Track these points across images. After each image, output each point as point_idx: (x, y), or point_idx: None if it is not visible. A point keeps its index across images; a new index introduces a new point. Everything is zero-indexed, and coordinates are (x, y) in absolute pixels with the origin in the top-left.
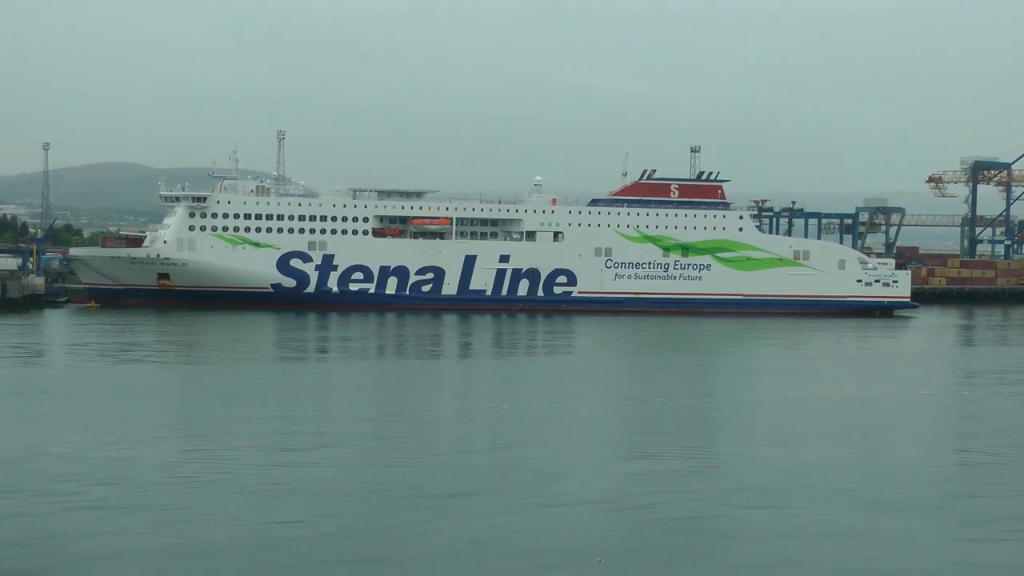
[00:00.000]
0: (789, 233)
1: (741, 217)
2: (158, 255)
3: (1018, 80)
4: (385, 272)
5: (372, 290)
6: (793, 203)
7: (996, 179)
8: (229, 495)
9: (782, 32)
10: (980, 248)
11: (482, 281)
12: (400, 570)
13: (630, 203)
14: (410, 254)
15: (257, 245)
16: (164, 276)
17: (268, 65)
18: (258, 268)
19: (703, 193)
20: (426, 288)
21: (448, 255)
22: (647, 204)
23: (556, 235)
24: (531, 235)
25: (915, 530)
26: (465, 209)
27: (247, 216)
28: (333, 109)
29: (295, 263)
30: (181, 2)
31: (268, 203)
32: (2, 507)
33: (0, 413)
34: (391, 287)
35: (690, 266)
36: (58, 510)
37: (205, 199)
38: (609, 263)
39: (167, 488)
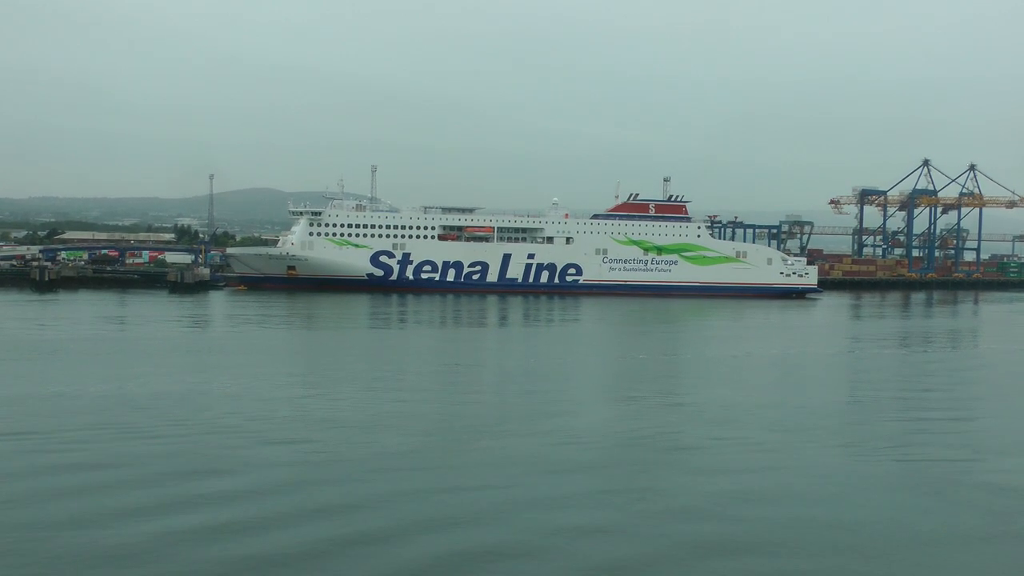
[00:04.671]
0: (733, 238)
1: (699, 227)
2: (287, 253)
3: (895, 134)
4: (447, 265)
5: (437, 278)
6: (735, 217)
7: (877, 202)
8: (338, 428)
9: (729, 93)
10: (865, 250)
11: (515, 272)
12: (456, 474)
13: (620, 217)
14: (464, 253)
15: (356, 246)
16: (292, 267)
17: (362, 119)
18: (356, 262)
19: (672, 210)
20: (475, 277)
21: (491, 253)
22: (632, 218)
23: (568, 239)
24: (550, 239)
25: (815, 445)
26: (503, 221)
27: (349, 225)
28: (411, 149)
29: (383, 258)
30: (300, 73)
31: (364, 216)
32: (183, 434)
33: (180, 364)
34: (451, 276)
35: (663, 262)
36: (225, 439)
37: (320, 213)
38: (605, 260)
39: (296, 423)
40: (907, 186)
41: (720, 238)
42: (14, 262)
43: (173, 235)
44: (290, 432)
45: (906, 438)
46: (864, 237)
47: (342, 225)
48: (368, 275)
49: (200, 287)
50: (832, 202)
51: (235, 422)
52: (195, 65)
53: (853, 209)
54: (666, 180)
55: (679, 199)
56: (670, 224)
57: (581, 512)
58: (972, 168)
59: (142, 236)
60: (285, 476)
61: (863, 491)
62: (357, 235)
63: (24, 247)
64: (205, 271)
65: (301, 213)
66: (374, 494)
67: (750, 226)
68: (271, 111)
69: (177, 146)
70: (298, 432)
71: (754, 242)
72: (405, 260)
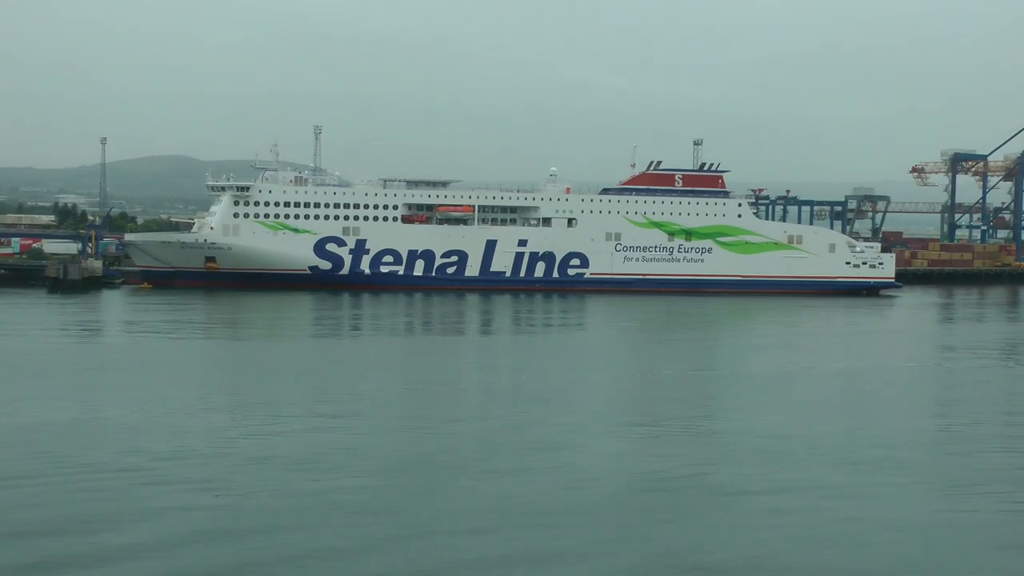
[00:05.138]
0: (784, 219)
1: (740, 204)
2: (205, 240)
3: (995, 78)
4: (413, 255)
5: (401, 272)
6: (787, 191)
7: (973, 170)
8: (272, 468)
9: (776, 31)
10: (958, 233)
11: (502, 263)
12: (425, 526)
13: (638, 192)
14: (436, 239)
15: (296, 231)
16: (211, 259)
17: (303, 62)
18: (296, 252)
19: (705, 183)
20: (451, 270)
21: (471, 240)
22: (653, 193)
23: (570, 221)
24: (547, 221)
25: (896, 488)
26: (486, 197)
27: (286, 204)
28: (366, 103)
29: (330, 247)
30: (220, 4)
31: (306, 192)
32: (67, 479)
33: (63, 386)
34: (419, 269)
35: (693, 250)
36: (123, 484)
37: (248, 188)
38: (619, 247)
39: (218, 462)
40: (1015, 148)
41: (768, 218)
42: None
43: (53, 217)
44: (209, 474)
45: (1018, 478)
46: (957, 216)
47: (277, 203)
48: (312, 268)
49: (89, 285)
50: (915, 170)
51: (137, 462)
52: None
53: (942, 179)
54: (697, 144)
55: (714, 168)
56: (702, 201)
57: (587, 572)
58: None
59: (11, 218)
60: (203, 530)
61: (964, 550)
62: (297, 216)
63: None
64: (96, 264)
65: (223, 188)
66: (318, 552)
67: (806, 202)
68: (183, 52)
69: (57, 99)
70: (220, 474)
71: (812, 223)
72: (359, 249)
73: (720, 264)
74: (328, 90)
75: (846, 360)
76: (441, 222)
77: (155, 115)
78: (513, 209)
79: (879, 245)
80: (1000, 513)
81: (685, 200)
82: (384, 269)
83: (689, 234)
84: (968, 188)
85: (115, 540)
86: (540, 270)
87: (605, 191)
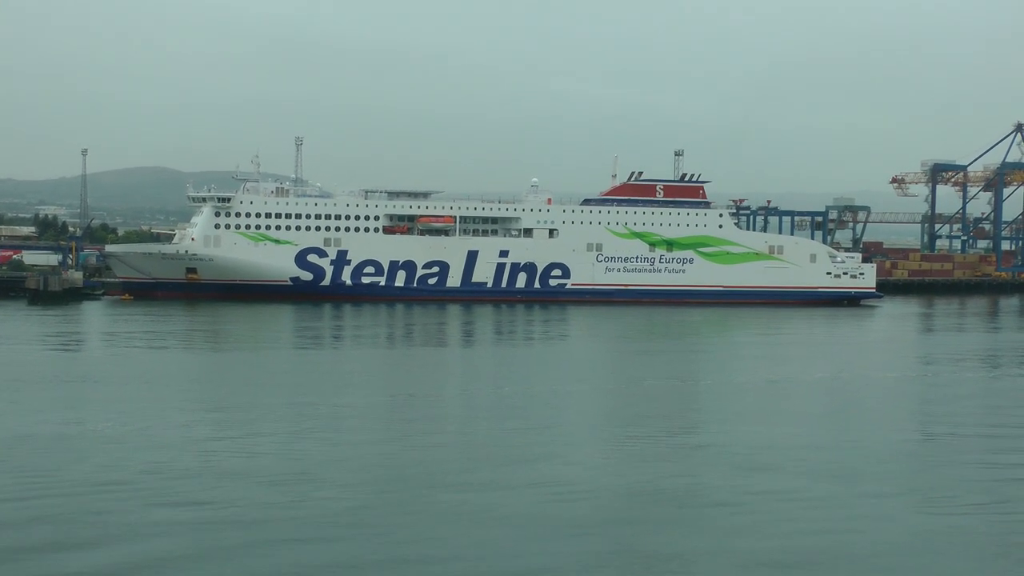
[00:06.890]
0: (764, 229)
1: (721, 215)
2: (186, 251)
3: (975, 90)
4: (395, 266)
5: (383, 283)
6: (768, 202)
7: (953, 180)
8: (255, 482)
9: (758, 43)
10: (939, 243)
11: (483, 274)
12: (409, 539)
13: (619, 202)
14: (417, 250)
15: (277, 242)
16: (192, 270)
17: (285, 73)
18: (278, 263)
19: (686, 193)
20: (432, 281)
21: (452, 250)
22: (635, 203)
23: (551, 232)
24: (528, 232)
25: (878, 498)
26: (468, 208)
27: (268, 215)
28: (346, 114)
29: (312, 258)
30: (202, 14)
31: (287, 203)
32: (47, 493)
33: (45, 398)
34: (400, 280)
35: (674, 260)
36: (105, 499)
37: (229, 200)
38: (600, 257)
39: (201, 476)
40: (994, 158)
41: (749, 229)
42: None
43: (33, 228)
44: (192, 488)
45: (998, 488)
46: (937, 226)
47: (258, 215)
48: (293, 279)
49: (70, 296)
50: (895, 180)
51: (119, 476)
52: None
53: (923, 189)
54: (678, 154)
55: (695, 179)
56: (683, 211)
57: None
58: None
59: None
60: (185, 547)
61: (945, 559)
62: (278, 227)
63: None
64: (77, 275)
65: (204, 199)
66: (302, 568)
67: (787, 213)
68: (163, 63)
69: (37, 110)
70: (203, 488)
71: (792, 233)
72: (341, 259)
73: (701, 274)
74: (309, 101)
75: (827, 370)
76: (422, 233)
77: (135, 126)
78: (494, 220)
79: (860, 255)
80: (981, 522)
81: (666, 211)
82: (365, 280)
83: (670, 244)
84: (948, 198)
85: (93, 559)
86: (522, 281)
87: (586, 202)
